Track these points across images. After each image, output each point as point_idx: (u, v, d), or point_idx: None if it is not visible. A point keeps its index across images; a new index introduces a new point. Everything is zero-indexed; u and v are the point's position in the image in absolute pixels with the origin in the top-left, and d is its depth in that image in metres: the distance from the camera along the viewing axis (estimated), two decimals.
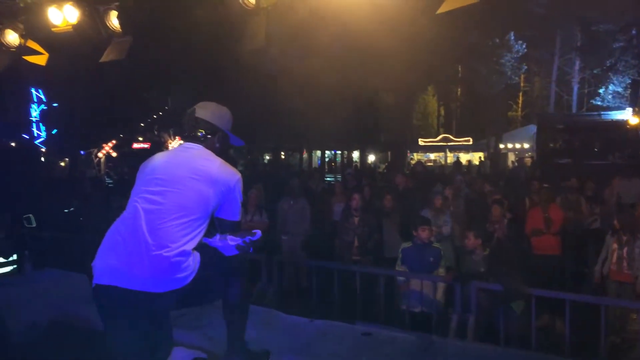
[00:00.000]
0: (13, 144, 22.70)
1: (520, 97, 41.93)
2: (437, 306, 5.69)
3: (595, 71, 32.38)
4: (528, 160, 23.01)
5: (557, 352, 5.00)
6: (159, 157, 2.78)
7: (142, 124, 34.41)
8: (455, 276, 5.48)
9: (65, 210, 9.13)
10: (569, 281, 7.09)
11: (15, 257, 7.33)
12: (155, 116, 34.33)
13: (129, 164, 20.28)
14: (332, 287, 6.20)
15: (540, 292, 5.31)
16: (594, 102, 33.51)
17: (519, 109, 43.40)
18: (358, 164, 30.52)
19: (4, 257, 7.21)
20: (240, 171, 2.80)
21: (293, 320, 4.06)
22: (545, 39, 30.04)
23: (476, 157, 34.63)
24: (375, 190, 9.83)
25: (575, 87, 33.65)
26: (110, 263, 2.50)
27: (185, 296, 2.58)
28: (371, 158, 33.01)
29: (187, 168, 2.62)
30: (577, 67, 33.09)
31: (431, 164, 31.94)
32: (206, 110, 2.81)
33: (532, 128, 28.10)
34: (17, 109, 24.37)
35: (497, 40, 21.45)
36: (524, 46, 23.10)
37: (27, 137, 23.88)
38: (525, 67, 26.81)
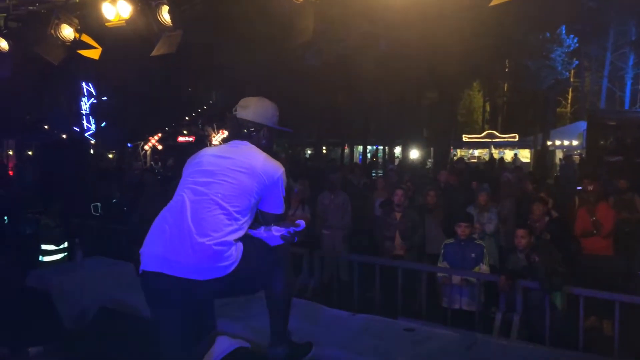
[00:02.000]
0: (64, 136, 23.52)
1: (570, 93, 40.70)
2: (479, 303, 5.62)
3: None
4: (577, 158, 22.35)
5: (605, 354, 4.87)
6: (206, 151, 2.86)
7: (187, 118, 35.03)
8: (505, 276, 5.38)
9: (114, 201, 9.42)
10: (620, 282, 6.85)
11: (66, 244, 7.60)
12: (200, 110, 34.90)
13: (174, 157, 20.73)
14: (373, 282, 6.19)
15: (588, 292, 5.17)
16: None
17: (569, 105, 42.14)
18: (399, 159, 30.30)
19: (56, 245, 7.47)
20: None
21: (335, 313, 4.06)
22: (598, 33, 29.04)
23: (522, 154, 33.83)
24: (418, 186, 9.75)
25: (629, 83, 32.41)
26: (156, 250, 2.58)
27: (228, 286, 2.63)
28: (414, 154, 32.65)
29: (232, 161, 2.68)
30: (631, 62, 31.86)
31: (474, 160, 31.40)
32: (247, 110, 2.85)
33: (582, 125, 27.23)
34: (69, 102, 25.20)
35: (548, 35, 20.80)
36: (575, 40, 22.34)
37: (78, 129, 24.63)
38: (577, 61, 25.94)
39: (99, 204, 9.25)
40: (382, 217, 7.45)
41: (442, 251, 6.10)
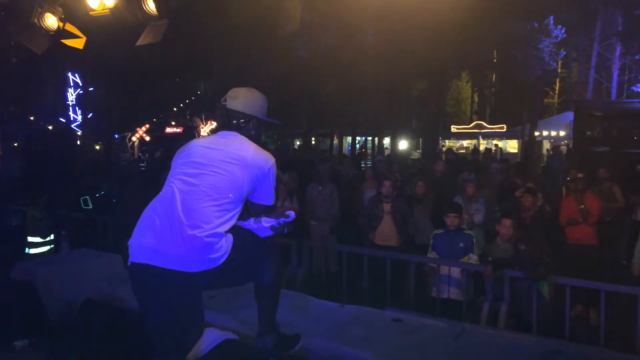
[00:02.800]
0: (50, 127, 23.26)
1: (558, 84, 40.91)
2: (466, 293, 5.65)
3: (637, 57, 31.29)
4: (564, 149, 22.48)
5: (591, 342, 4.93)
6: (196, 142, 2.83)
7: (174, 109, 34.82)
8: (491, 266, 5.41)
9: (97, 195, 9.32)
10: (605, 272, 6.92)
11: (52, 237, 7.54)
12: (187, 101, 34.69)
13: (162, 148, 20.59)
14: (362, 273, 6.20)
15: (574, 281, 5.23)
16: (635, 89, 32.46)
17: (556, 96, 42.37)
18: (389, 150, 30.37)
19: (42, 237, 7.41)
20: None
21: (324, 304, 4.07)
22: (586, 24, 29.15)
23: (510, 145, 34.01)
24: (406, 177, 9.77)
25: (615, 74, 32.63)
26: (146, 242, 2.55)
27: (218, 277, 2.62)
28: (402, 144, 32.72)
29: (222, 152, 2.66)
30: (618, 52, 32.06)
31: (463, 151, 31.50)
32: (237, 101, 2.81)
33: (569, 115, 27.35)
34: (54, 93, 24.90)
35: (536, 25, 20.80)
36: (563, 31, 22.38)
37: (64, 120, 24.37)
38: (564, 52, 26.02)
39: (87, 197, 9.15)
40: (370, 207, 7.45)
41: (432, 241, 6.13)
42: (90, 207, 9.08)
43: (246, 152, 2.67)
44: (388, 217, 7.16)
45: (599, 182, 8.26)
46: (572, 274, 5.59)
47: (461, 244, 5.89)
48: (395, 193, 7.49)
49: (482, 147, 27.78)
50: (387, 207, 7.19)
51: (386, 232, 7.15)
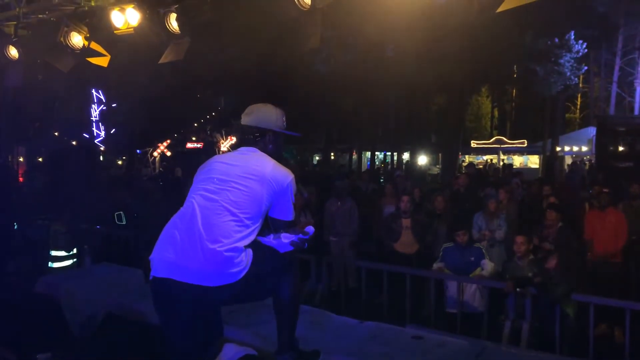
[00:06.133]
0: (74, 143, 23.66)
1: (579, 99, 40.49)
2: (480, 308, 5.62)
3: None
4: (586, 165, 22.24)
5: None
6: (217, 159, 2.88)
7: (195, 124, 35.17)
8: (512, 283, 5.35)
9: (117, 214, 9.38)
10: (631, 290, 6.77)
11: (75, 251, 7.63)
12: (208, 116, 35.04)
13: (182, 163, 20.79)
14: (381, 289, 6.17)
15: (598, 300, 5.12)
16: None
17: (577, 111, 41.93)
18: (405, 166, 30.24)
19: (65, 251, 7.50)
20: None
21: (343, 321, 4.04)
22: (607, 38, 28.89)
23: (531, 160, 33.65)
24: (426, 192, 9.71)
25: (638, 88, 32.19)
26: (167, 256, 2.58)
27: (238, 292, 2.63)
28: (422, 159, 32.57)
29: (242, 169, 2.69)
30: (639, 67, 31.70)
31: (482, 166, 31.31)
32: (250, 116, 2.87)
33: (591, 130, 27.07)
34: (79, 109, 25.34)
35: (557, 40, 20.69)
36: (584, 46, 22.22)
37: (88, 136, 24.77)
38: (586, 67, 25.81)
39: (122, 212, 9.23)
40: (389, 223, 7.44)
41: (441, 253, 6.20)
42: (124, 222, 9.14)
43: (265, 168, 2.69)
44: (407, 232, 7.14)
45: (631, 198, 8.07)
46: (596, 292, 5.48)
47: (472, 258, 5.95)
48: (413, 208, 7.50)
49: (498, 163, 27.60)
50: (406, 222, 7.18)
51: (406, 242, 7.18)
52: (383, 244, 7.57)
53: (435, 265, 6.15)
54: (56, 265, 7.41)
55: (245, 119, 2.86)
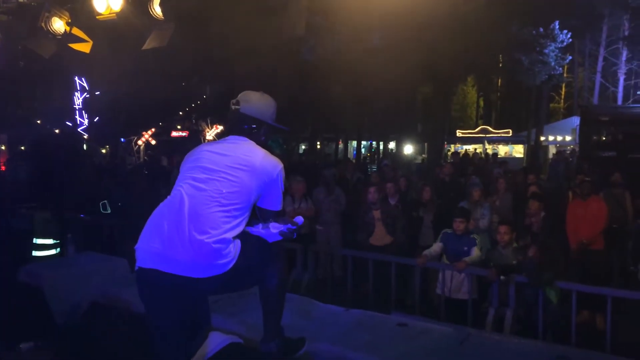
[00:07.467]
0: (57, 131, 23.36)
1: (563, 89, 40.82)
2: (468, 295, 5.70)
3: None
4: (569, 154, 22.46)
5: (597, 348, 4.89)
6: (204, 147, 2.82)
7: (180, 113, 34.87)
8: (496, 271, 5.40)
9: (102, 203, 9.30)
10: (612, 277, 6.88)
11: (58, 240, 7.55)
12: (193, 105, 34.74)
13: (167, 152, 20.62)
14: (367, 277, 6.19)
15: (580, 287, 5.19)
16: None
17: (562, 101, 42.29)
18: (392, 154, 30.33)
19: (49, 240, 7.42)
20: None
21: (329, 309, 4.06)
22: (592, 29, 29.10)
23: (516, 150, 33.94)
24: (411, 182, 9.74)
25: (622, 79, 32.53)
26: (153, 247, 2.54)
27: (225, 282, 2.61)
28: (408, 149, 32.69)
29: (231, 158, 2.65)
30: (624, 57, 31.98)
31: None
32: (251, 106, 2.79)
33: (575, 120, 27.32)
34: (61, 96, 24.99)
35: (542, 30, 20.79)
36: (568, 36, 22.36)
37: (71, 124, 24.47)
38: (570, 57, 25.99)
39: (106, 201, 9.14)
40: (361, 217, 7.42)
41: (440, 236, 6.28)
42: (109, 211, 9.06)
43: (255, 158, 2.65)
44: (380, 224, 7.15)
45: (612, 186, 8.19)
46: (578, 279, 5.55)
47: (465, 248, 5.99)
48: (382, 197, 7.48)
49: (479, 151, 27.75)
50: (376, 214, 7.18)
51: (379, 235, 7.18)
52: (356, 239, 7.48)
53: (435, 245, 6.22)
54: (39, 253, 7.33)
55: (245, 107, 2.78)
